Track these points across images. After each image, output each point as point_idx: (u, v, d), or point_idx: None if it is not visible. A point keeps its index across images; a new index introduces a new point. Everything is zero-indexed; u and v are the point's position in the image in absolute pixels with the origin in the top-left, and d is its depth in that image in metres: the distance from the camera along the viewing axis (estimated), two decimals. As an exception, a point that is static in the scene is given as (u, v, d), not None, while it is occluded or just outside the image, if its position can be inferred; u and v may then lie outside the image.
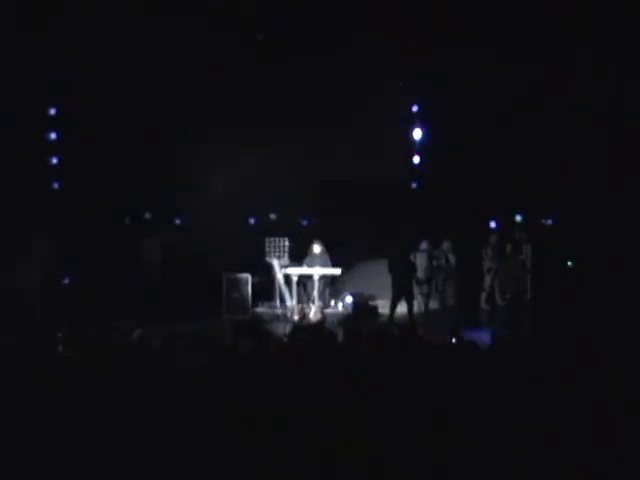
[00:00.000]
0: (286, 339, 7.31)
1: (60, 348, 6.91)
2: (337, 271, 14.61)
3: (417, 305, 13.81)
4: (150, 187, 15.29)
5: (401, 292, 13.17)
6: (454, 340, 7.44)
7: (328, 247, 14.84)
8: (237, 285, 14.75)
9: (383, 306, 14.37)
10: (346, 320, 13.77)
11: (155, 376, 5.56)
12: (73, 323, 9.07)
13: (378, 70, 14.53)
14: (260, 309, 14.99)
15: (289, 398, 5.02)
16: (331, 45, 14.49)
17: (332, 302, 15.13)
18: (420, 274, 14.24)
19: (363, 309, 14.49)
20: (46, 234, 13.93)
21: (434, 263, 14.99)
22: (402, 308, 13.30)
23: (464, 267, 15.43)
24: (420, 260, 14.50)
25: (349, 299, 14.95)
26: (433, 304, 15.03)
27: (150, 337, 6.82)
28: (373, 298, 15.09)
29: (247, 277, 14.81)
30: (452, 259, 15.41)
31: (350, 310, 14.66)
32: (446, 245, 15.39)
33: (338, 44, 14.40)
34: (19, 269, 13.47)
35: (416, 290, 13.89)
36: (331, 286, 15.18)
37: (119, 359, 6.13)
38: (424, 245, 14.85)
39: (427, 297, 14.67)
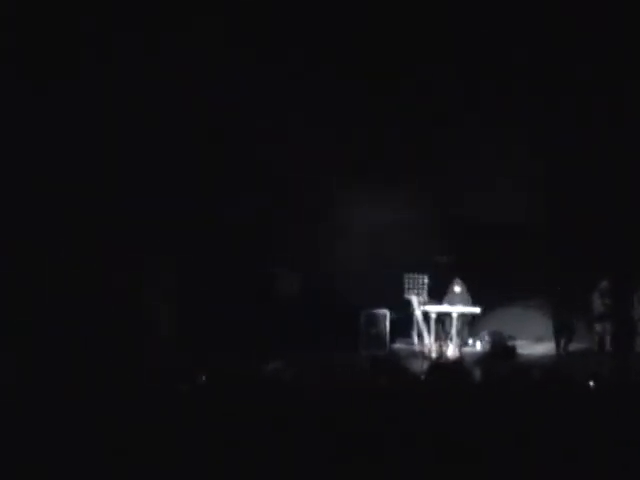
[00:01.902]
0: (423, 377, 7.32)
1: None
2: (476, 310, 14.51)
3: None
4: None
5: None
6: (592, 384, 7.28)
7: (468, 285, 14.78)
8: (375, 321, 14.86)
9: (522, 346, 14.21)
10: (483, 359, 13.65)
11: (287, 410, 5.63)
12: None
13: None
14: (397, 345, 15.02)
15: (425, 435, 5.05)
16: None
17: (470, 341, 15.02)
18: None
19: (501, 349, 14.32)
20: (172, 266, 14.32)
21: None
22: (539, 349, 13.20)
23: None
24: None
25: (487, 338, 14.80)
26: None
27: (283, 370, 6.92)
28: (512, 338, 14.90)
29: (385, 313, 14.90)
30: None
31: (488, 349, 14.52)
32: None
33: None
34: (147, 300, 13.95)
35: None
36: (470, 325, 15.08)
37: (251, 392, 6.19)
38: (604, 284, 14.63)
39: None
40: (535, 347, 14.79)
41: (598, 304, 14.59)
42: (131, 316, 13.55)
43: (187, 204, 14.54)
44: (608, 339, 14.53)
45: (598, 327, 14.60)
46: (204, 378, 6.95)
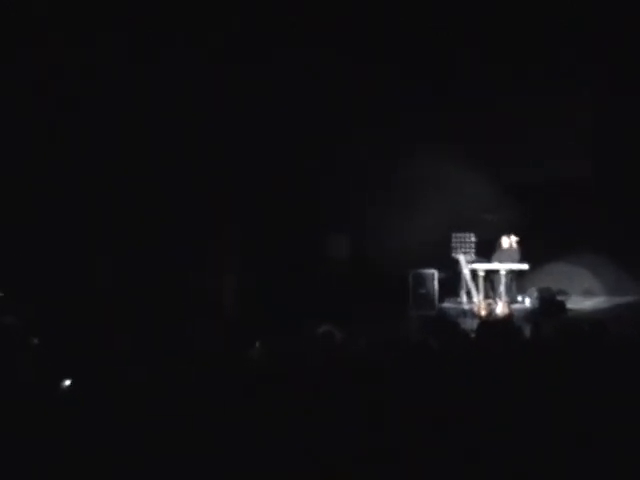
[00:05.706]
0: (473, 335, 7.37)
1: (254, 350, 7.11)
2: (524, 266, 14.49)
3: None
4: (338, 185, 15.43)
5: None
6: None
7: (517, 242, 14.75)
8: (423, 281, 14.91)
9: (572, 301, 14.19)
10: (532, 315, 13.64)
11: (339, 373, 5.70)
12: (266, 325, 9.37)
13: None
14: (447, 305, 15.08)
15: (476, 396, 5.11)
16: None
17: (519, 297, 15.02)
18: None
19: (550, 304, 14.28)
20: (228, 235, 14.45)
21: None
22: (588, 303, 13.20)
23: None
24: None
25: (536, 294, 14.77)
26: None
27: (333, 334, 6.99)
28: (563, 293, 14.85)
29: (433, 273, 14.95)
30: None
31: (537, 305, 14.49)
32: None
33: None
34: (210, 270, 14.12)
35: None
36: (518, 281, 15.05)
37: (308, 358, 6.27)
38: None
39: None
40: (585, 302, 14.76)
41: None
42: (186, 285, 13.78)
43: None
44: None
45: None
46: (258, 344, 7.09)
